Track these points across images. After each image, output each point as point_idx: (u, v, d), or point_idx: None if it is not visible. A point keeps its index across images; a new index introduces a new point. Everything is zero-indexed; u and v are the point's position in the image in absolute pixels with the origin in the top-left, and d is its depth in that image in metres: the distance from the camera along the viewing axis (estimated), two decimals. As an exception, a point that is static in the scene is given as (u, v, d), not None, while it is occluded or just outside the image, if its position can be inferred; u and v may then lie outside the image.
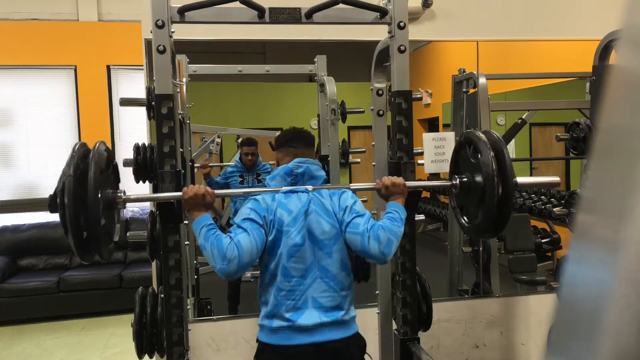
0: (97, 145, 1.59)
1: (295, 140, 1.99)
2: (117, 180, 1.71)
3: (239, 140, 4.48)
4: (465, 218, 1.92)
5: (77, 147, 1.56)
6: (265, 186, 1.97)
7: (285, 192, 1.87)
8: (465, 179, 1.85)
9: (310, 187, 1.89)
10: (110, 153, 1.65)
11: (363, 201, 2.03)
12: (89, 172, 1.49)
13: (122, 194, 1.69)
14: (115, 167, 1.69)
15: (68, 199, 1.45)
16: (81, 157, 1.53)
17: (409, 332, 2.23)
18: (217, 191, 1.80)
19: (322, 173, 1.97)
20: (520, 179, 1.76)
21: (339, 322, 1.86)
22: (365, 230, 1.80)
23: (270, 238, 1.82)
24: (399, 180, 1.89)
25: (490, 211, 1.71)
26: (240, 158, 4.04)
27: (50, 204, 1.49)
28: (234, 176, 4.01)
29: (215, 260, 1.69)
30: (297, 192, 1.88)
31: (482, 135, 1.78)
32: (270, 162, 4.24)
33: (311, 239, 1.84)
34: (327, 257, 1.85)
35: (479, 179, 1.76)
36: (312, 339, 1.82)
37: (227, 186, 4.00)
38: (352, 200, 1.91)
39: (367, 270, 2.30)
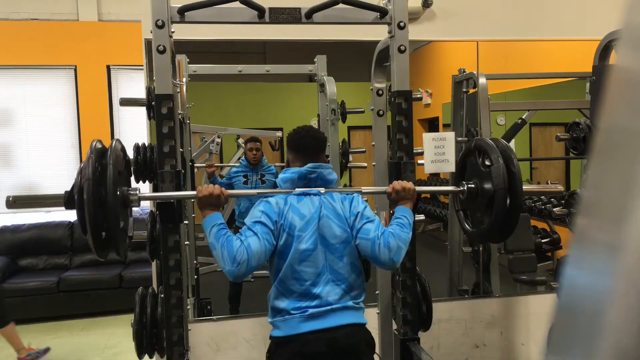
0: (114, 144, 1.60)
1: (307, 146, 1.98)
2: (130, 175, 1.71)
3: (239, 140, 4.48)
4: (470, 223, 1.91)
5: (94, 145, 1.56)
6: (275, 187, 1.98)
7: (298, 195, 1.88)
8: (473, 186, 1.83)
9: (322, 190, 1.90)
10: (125, 151, 1.66)
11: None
12: (108, 173, 1.50)
13: (136, 193, 1.69)
14: (128, 163, 1.69)
15: (88, 199, 1.46)
16: (99, 157, 1.53)
17: (409, 332, 2.23)
18: (230, 191, 1.79)
19: (335, 176, 1.98)
20: (525, 187, 1.75)
21: (349, 308, 1.89)
22: (376, 237, 1.83)
23: (281, 242, 1.83)
24: (409, 185, 1.90)
25: (500, 218, 1.71)
26: (245, 155, 4.02)
27: (66, 200, 1.51)
28: (238, 176, 3.99)
29: (225, 261, 1.70)
30: (309, 194, 1.89)
31: (493, 143, 1.78)
32: (276, 164, 4.25)
33: (323, 243, 1.86)
34: (338, 261, 1.88)
35: (488, 186, 1.74)
36: (323, 324, 1.83)
37: (231, 187, 3.98)
38: (363, 206, 1.94)
39: (367, 270, 2.31)
